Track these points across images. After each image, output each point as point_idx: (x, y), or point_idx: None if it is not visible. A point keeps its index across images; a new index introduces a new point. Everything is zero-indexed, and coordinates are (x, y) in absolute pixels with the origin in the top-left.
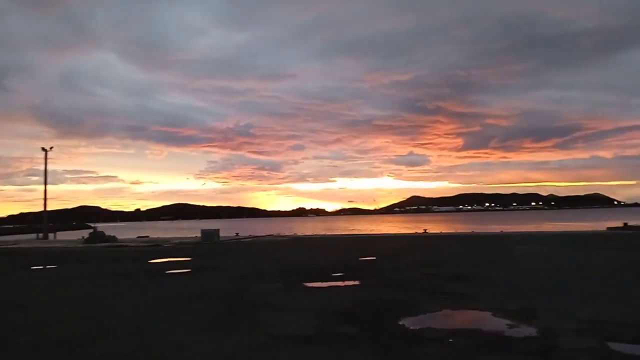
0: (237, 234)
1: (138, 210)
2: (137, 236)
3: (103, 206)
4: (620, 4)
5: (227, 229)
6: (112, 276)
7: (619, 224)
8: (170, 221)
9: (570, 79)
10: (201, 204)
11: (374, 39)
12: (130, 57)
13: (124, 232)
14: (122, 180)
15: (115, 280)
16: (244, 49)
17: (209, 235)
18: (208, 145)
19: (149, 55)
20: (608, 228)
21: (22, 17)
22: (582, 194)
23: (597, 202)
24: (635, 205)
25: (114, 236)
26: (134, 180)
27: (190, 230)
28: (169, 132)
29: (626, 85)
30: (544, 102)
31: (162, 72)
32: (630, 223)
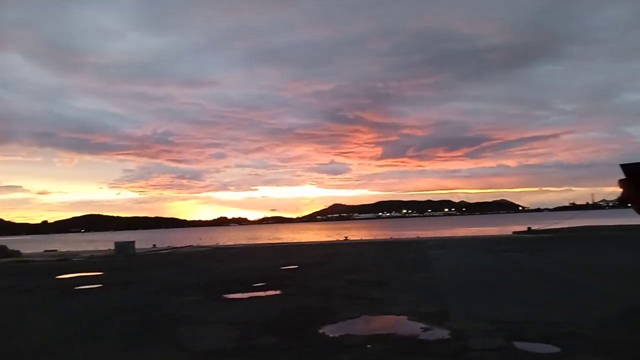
0: (154, 245)
1: (45, 222)
2: (44, 250)
3: (6, 218)
4: (523, 22)
5: (144, 240)
6: (15, 294)
7: (524, 228)
8: (82, 233)
9: (479, 92)
10: (116, 214)
11: (296, 49)
12: (38, 59)
13: (30, 246)
14: (28, 190)
15: (18, 298)
16: (162, 54)
17: (124, 248)
18: (123, 153)
19: (59, 57)
20: (514, 232)
21: None
22: (490, 200)
23: (504, 207)
24: (538, 210)
25: (17, 251)
26: (41, 190)
27: (103, 242)
28: (81, 139)
29: (530, 98)
30: (456, 113)
31: (73, 76)
32: (534, 227)
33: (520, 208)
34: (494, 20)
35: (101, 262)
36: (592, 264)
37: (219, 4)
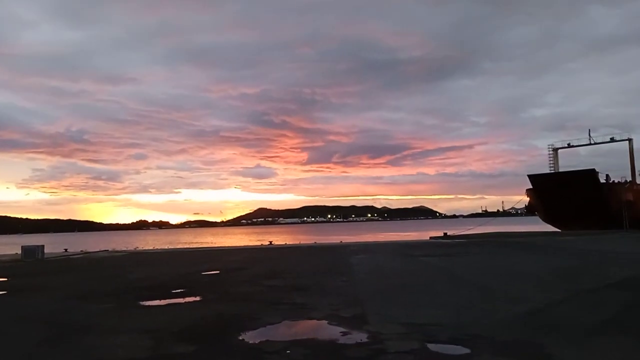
0: (66, 249)
1: None
2: None
3: None
4: (442, 37)
5: (55, 244)
6: None
7: (440, 233)
8: None
9: (401, 102)
10: (24, 216)
11: (221, 50)
12: None
13: None
14: None
15: None
16: (79, 47)
17: (31, 252)
18: (33, 151)
19: None
20: (431, 237)
21: None
22: (410, 206)
23: (422, 213)
24: (454, 216)
25: None
26: None
27: (9, 246)
28: None
29: (446, 110)
30: (379, 122)
31: None
32: (449, 233)
33: (438, 214)
34: (416, 33)
35: (6, 268)
36: (501, 268)
37: None
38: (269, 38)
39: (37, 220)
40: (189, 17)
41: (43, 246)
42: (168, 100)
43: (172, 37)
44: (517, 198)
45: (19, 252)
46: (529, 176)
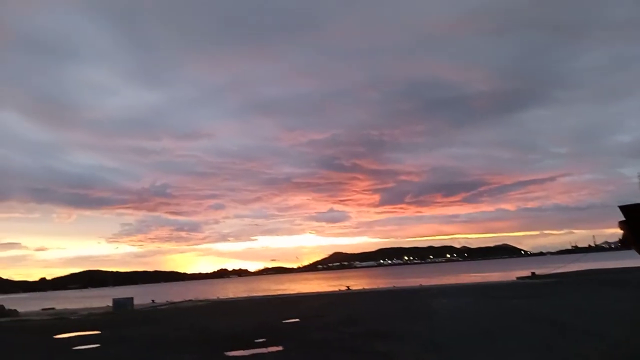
0: (153, 300)
1: (43, 279)
2: (41, 308)
3: (4, 276)
4: (507, 69)
5: (143, 295)
6: (11, 356)
7: (527, 273)
8: (80, 290)
9: (471, 137)
10: (114, 269)
11: (288, 100)
12: (34, 115)
13: (27, 304)
14: (26, 247)
15: None
16: (158, 108)
17: (122, 304)
18: (122, 207)
19: (54, 113)
20: (517, 277)
21: None
22: (491, 245)
23: (505, 252)
24: (540, 254)
25: (14, 310)
26: (39, 246)
27: (101, 299)
28: (79, 194)
29: (521, 143)
30: (450, 159)
31: (69, 132)
32: (537, 272)
33: (522, 252)
34: (480, 68)
35: (99, 320)
36: (598, 308)
37: (211, 58)
38: (334, 84)
39: (126, 272)
40: (256, 71)
41: (132, 298)
42: (241, 151)
43: (241, 91)
44: (609, 231)
45: (110, 304)
46: (620, 207)
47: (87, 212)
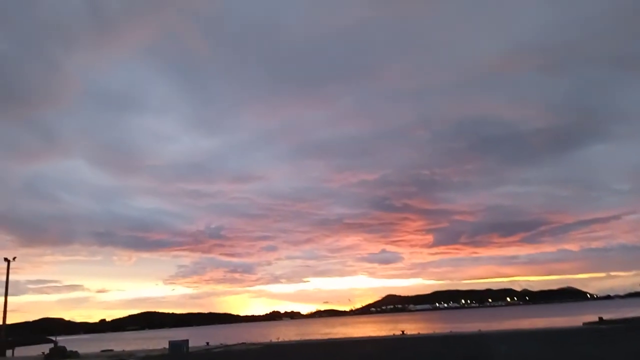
0: (207, 343)
1: (103, 320)
2: (100, 350)
3: (66, 317)
4: (563, 105)
5: (197, 336)
6: None
7: (594, 318)
8: (137, 331)
9: (528, 175)
10: (170, 311)
11: (339, 142)
12: (99, 163)
13: (88, 345)
14: (88, 289)
15: None
16: (213, 153)
17: (178, 347)
18: (178, 249)
19: (118, 161)
20: (584, 323)
21: None
22: (554, 287)
23: (570, 295)
24: (608, 297)
25: (75, 351)
26: (100, 288)
27: (158, 340)
28: (138, 237)
29: (581, 180)
30: (506, 197)
31: (131, 177)
32: (605, 317)
33: (588, 295)
34: (534, 104)
35: None
36: None
37: (265, 104)
38: (384, 124)
39: (181, 314)
40: (307, 115)
41: (187, 341)
42: (293, 193)
43: (293, 135)
44: None
45: (167, 346)
46: None
47: (146, 255)
